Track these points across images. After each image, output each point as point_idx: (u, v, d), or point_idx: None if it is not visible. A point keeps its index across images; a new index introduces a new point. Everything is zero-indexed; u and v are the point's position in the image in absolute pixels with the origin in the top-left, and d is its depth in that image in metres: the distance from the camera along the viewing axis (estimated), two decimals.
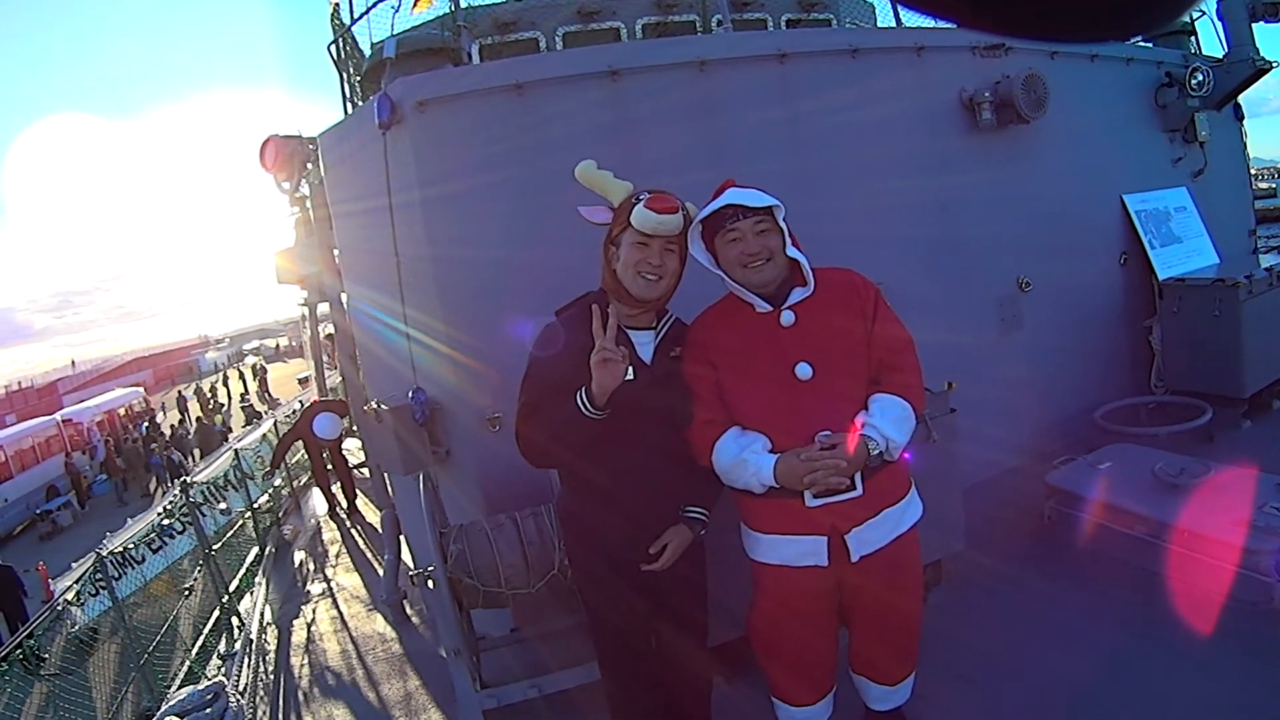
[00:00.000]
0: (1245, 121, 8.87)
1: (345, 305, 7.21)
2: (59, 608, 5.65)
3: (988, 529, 5.23)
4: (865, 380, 3.35)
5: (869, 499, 3.32)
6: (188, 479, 9.42)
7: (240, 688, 6.09)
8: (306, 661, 6.65)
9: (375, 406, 5.29)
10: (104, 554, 6.93)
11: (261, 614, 8.12)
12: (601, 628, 3.63)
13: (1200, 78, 7.47)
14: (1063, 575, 4.89)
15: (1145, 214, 7.20)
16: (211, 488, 11.23)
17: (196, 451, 28.55)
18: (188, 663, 7.34)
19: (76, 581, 6.69)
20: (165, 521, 8.96)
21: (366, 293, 6.14)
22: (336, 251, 7.11)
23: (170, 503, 9.35)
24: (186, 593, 8.58)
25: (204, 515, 10.38)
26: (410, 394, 5.12)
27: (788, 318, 3.32)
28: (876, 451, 3.21)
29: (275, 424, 15.82)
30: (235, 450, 12.50)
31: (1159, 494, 4.90)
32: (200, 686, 4.97)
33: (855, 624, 3.66)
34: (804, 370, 3.25)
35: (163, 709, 4.79)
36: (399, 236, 5.16)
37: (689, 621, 3.63)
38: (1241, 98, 8.36)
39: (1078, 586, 4.76)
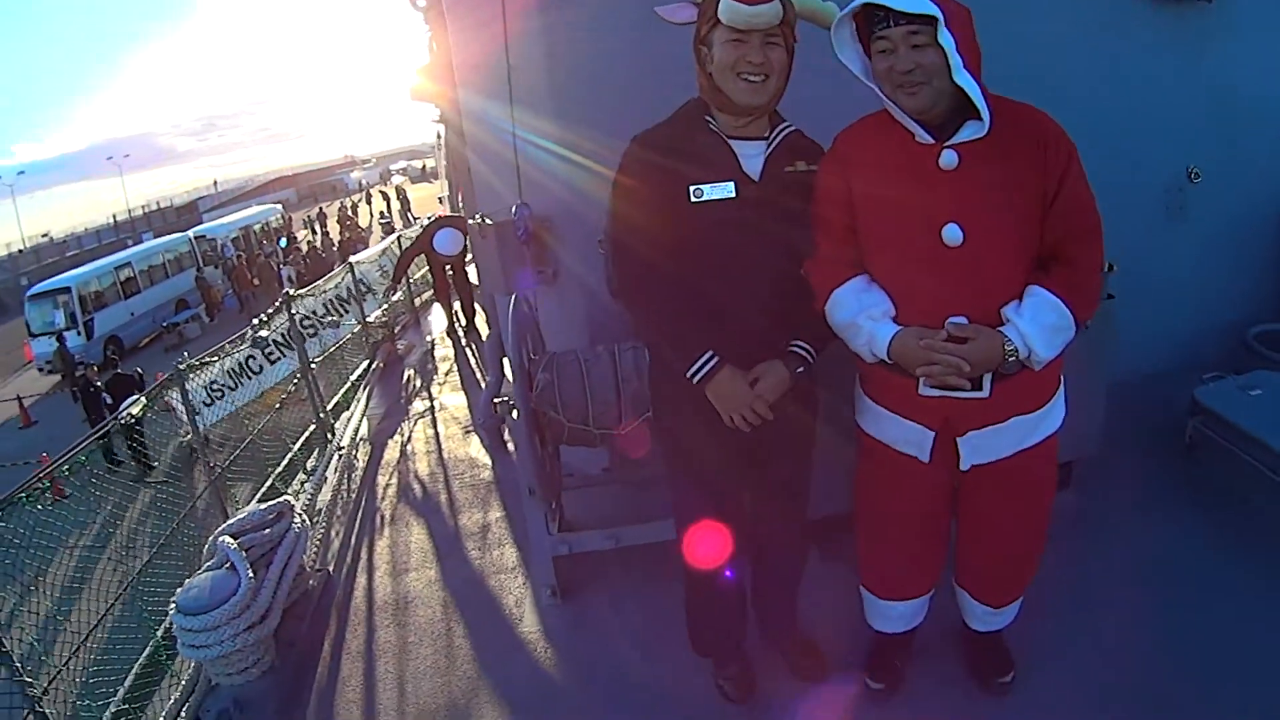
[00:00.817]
0: None
1: (463, 119, 6.79)
2: (123, 419, 5.43)
3: (1125, 436, 4.59)
4: (1030, 260, 2.58)
5: (997, 403, 2.66)
6: (290, 291, 9.18)
7: (318, 506, 5.90)
8: (392, 482, 6.41)
9: (480, 220, 4.88)
10: (182, 367, 6.66)
11: (356, 430, 7.91)
12: (683, 480, 3.16)
13: None
14: (1200, 509, 4.19)
15: None
16: (334, 300, 11.19)
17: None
18: (271, 479, 7.12)
19: (144, 394, 6.45)
20: (261, 333, 8.77)
21: (480, 103, 5.60)
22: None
23: (266, 314, 9.15)
24: (277, 406, 8.41)
25: (321, 328, 10.29)
26: (514, 209, 4.67)
27: (949, 159, 2.50)
28: (1013, 359, 2.52)
29: (399, 239, 15.57)
30: (350, 264, 12.29)
31: None
32: (262, 505, 4.71)
33: (964, 532, 3.09)
34: (953, 233, 2.51)
35: (219, 529, 4.52)
36: (512, 40, 4.65)
37: (789, 481, 3.16)
38: None
39: (1214, 526, 4.06)
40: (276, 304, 9.00)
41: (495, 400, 4.22)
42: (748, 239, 2.75)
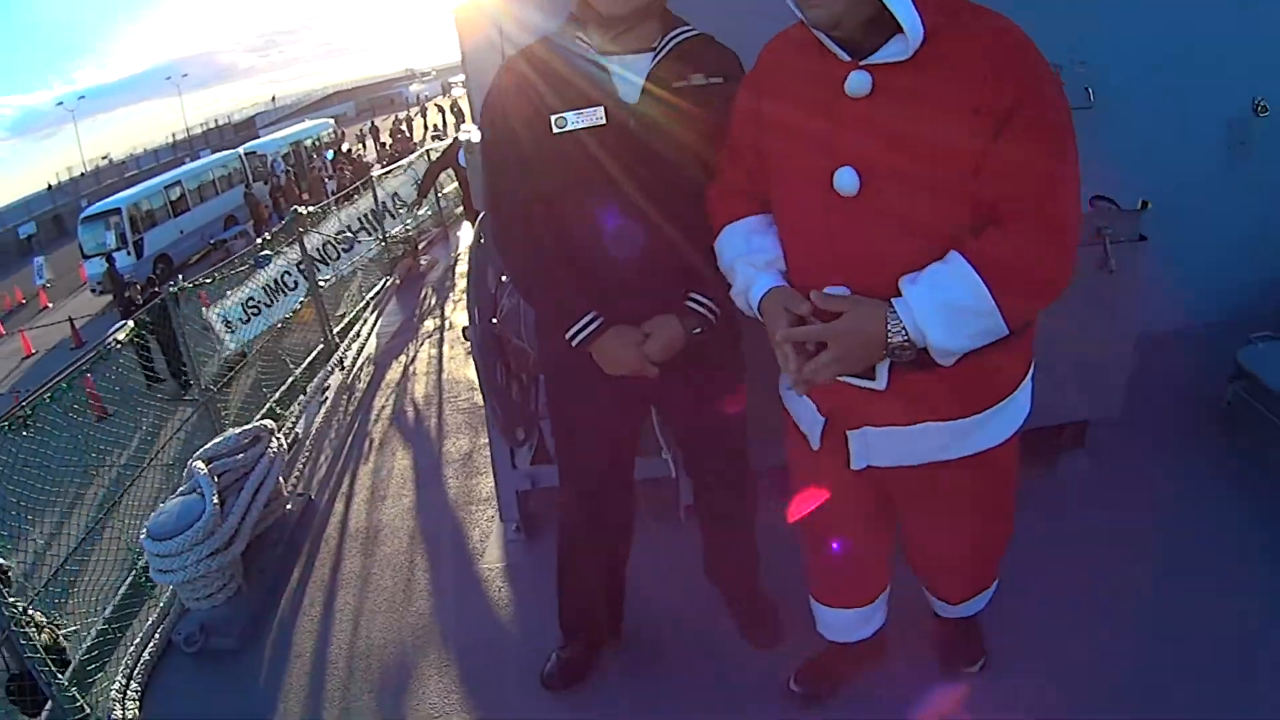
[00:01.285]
0: None
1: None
2: (109, 346, 5.40)
3: (1153, 397, 4.20)
4: (959, 226, 1.89)
5: (899, 401, 2.09)
6: (298, 208, 9.04)
7: (312, 429, 5.83)
8: (388, 404, 6.33)
9: (469, 136, 4.66)
10: (173, 290, 6.60)
11: (361, 349, 7.82)
12: (568, 442, 2.89)
13: None
14: (1232, 486, 3.73)
15: None
16: (363, 216, 11.13)
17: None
18: (269, 403, 7.06)
19: (135, 316, 6.37)
20: (264, 253, 8.67)
21: None
22: None
23: (270, 233, 9.05)
24: (278, 326, 8.39)
25: (336, 253, 10.19)
26: None
27: (858, 84, 1.87)
28: (899, 340, 1.89)
29: (427, 153, 15.42)
30: (371, 179, 12.14)
31: None
32: (239, 430, 4.65)
33: (904, 524, 2.62)
34: (847, 179, 1.91)
35: (195, 454, 4.46)
36: None
37: (714, 436, 2.82)
38: None
39: (1246, 507, 3.58)
40: (283, 222, 8.88)
41: (464, 327, 4.06)
42: (625, 173, 2.33)
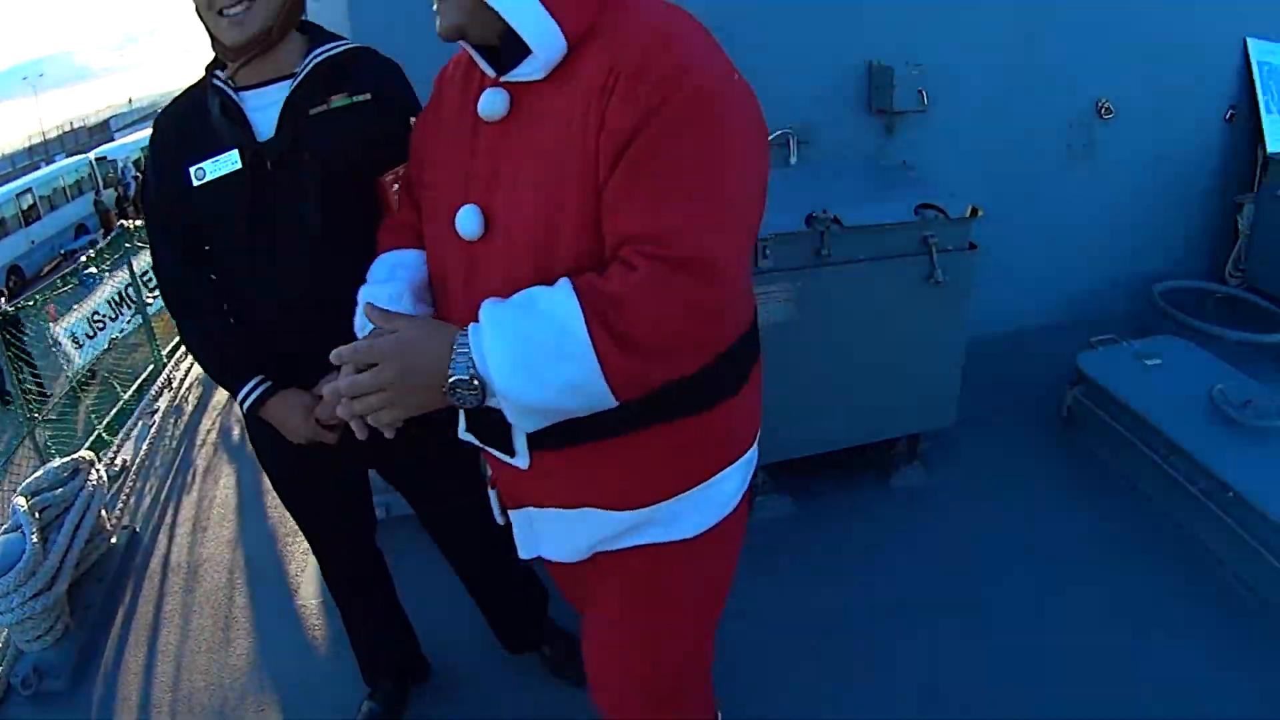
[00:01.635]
0: None
1: None
2: None
3: (992, 404, 4.25)
4: (588, 268, 1.50)
5: (554, 481, 1.76)
6: (124, 223, 8.85)
7: (137, 458, 5.75)
8: (215, 426, 6.23)
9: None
10: (10, 310, 6.48)
11: (189, 369, 7.57)
12: (294, 514, 2.76)
13: None
14: (1073, 495, 3.81)
15: (1270, 68, 5.39)
16: None
17: None
18: (98, 430, 6.90)
19: None
20: (90, 270, 8.48)
21: None
22: None
23: (97, 249, 8.85)
24: (105, 349, 8.22)
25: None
26: None
27: (491, 105, 1.58)
28: (459, 375, 1.44)
29: None
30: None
31: (1210, 425, 3.57)
32: (58, 462, 4.59)
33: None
34: (468, 220, 1.60)
35: (19, 487, 4.39)
36: None
37: (444, 483, 2.66)
38: None
39: (1084, 520, 3.66)
40: (109, 239, 8.69)
41: None
42: (266, 223, 2.12)
